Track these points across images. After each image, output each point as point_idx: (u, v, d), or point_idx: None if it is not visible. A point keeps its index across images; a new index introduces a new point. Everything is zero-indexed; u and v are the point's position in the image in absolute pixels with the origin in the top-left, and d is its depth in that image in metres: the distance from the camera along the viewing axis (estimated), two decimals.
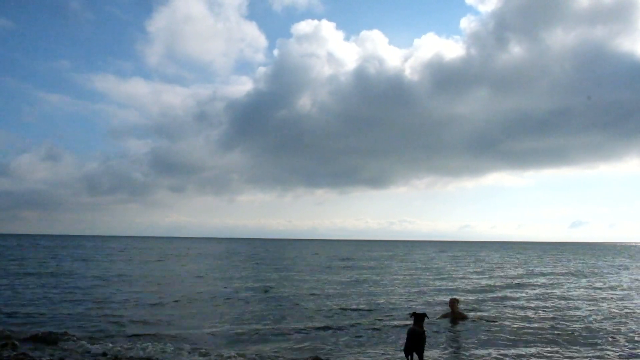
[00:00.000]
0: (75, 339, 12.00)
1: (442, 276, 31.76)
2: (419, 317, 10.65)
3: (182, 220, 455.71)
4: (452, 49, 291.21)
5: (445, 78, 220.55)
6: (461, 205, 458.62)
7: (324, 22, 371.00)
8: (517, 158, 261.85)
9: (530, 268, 42.15)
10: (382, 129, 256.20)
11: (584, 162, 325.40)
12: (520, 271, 37.74)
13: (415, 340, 10.09)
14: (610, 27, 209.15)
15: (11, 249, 65.72)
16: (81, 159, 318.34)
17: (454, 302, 15.36)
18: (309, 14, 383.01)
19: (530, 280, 29.31)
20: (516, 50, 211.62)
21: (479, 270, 38.60)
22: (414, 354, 10.31)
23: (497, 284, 26.41)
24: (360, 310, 16.59)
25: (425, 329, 10.68)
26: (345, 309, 16.70)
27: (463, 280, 28.37)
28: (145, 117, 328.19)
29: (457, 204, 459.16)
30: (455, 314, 15.03)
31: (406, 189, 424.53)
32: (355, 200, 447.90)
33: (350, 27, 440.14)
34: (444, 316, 15.20)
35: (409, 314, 11.26)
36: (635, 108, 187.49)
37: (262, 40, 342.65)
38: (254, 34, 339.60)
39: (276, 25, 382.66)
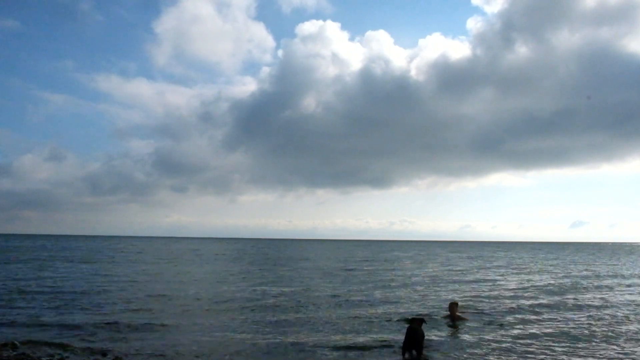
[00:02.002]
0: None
1: (480, 281, 28.44)
2: (417, 322, 11.21)
3: (182, 221, 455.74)
4: (458, 50, 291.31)
5: (451, 78, 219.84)
6: (462, 206, 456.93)
7: (329, 22, 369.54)
8: (520, 158, 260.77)
9: (573, 271, 38.31)
10: (386, 129, 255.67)
11: (586, 162, 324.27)
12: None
13: (414, 338, 10.63)
14: (616, 29, 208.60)
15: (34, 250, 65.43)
16: (84, 159, 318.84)
17: (453, 306, 15.59)
18: (318, 16, 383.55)
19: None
20: (522, 50, 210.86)
21: (517, 274, 34.62)
22: (413, 351, 10.72)
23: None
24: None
25: (423, 330, 11.10)
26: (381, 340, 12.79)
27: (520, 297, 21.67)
28: (149, 118, 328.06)
29: (459, 204, 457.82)
30: (454, 317, 15.24)
31: (408, 189, 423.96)
32: (357, 200, 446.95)
33: (356, 28, 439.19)
34: (444, 319, 15.44)
35: (410, 319, 11.69)
36: (639, 108, 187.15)
37: (269, 41, 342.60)
38: (261, 35, 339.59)
39: (285, 27, 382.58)
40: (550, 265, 46.75)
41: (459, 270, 38.64)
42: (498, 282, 28.53)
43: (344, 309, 17.66)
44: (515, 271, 38.82)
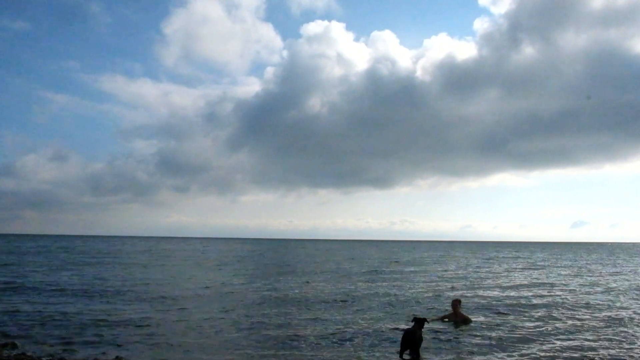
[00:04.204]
0: None
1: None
2: (419, 321, 11.22)
3: (182, 221, 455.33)
4: (464, 50, 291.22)
5: (457, 79, 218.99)
6: (464, 206, 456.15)
7: (334, 22, 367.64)
8: (523, 158, 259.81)
9: None
10: (390, 129, 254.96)
11: (590, 163, 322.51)
12: None
13: (410, 339, 10.75)
14: (623, 30, 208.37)
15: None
16: (87, 160, 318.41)
17: (456, 304, 15.21)
18: (327, 17, 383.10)
19: None
20: (528, 51, 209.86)
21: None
22: (407, 352, 10.85)
23: None
24: None
25: (423, 332, 11.21)
26: None
27: None
28: (153, 118, 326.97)
29: (460, 204, 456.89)
30: (457, 316, 14.95)
31: (409, 189, 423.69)
32: (358, 200, 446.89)
33: (361, 28, 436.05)
34: (446, 317, 15.14)
35: (412, 318, 11.67)
36: None
37: (278, 42, 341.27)
38: (270, 36, 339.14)
39: (293, 28, 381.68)
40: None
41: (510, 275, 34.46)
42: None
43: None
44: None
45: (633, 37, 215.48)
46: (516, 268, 42.23)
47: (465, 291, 23.12)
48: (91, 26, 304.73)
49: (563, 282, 29.14)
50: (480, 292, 22.76)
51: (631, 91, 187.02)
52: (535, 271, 38.35)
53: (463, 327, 14.25)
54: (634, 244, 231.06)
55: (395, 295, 21.57)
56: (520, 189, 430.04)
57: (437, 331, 13.43)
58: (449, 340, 12.64)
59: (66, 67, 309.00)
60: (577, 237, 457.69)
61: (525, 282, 28.21)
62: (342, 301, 19.42)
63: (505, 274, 35.30)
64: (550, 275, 34.58)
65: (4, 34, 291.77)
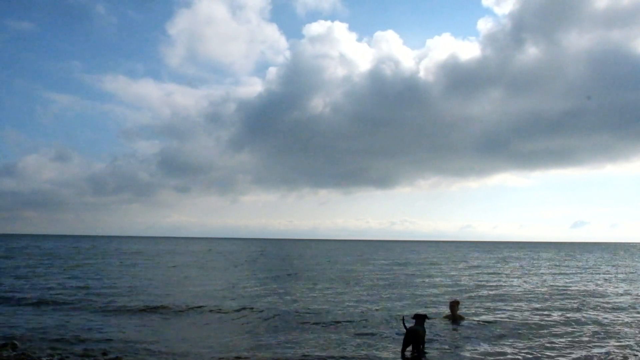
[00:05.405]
0: None
1: None
2: (420, 318, 11.49)
3: (182, 221, 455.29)
4: (467, 50, 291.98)
5: (460, 79, 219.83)
6: (464, 206, 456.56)
7: (337, 22, 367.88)
8: (525, 159, 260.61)
9: None
10: (393, 130, 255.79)
11: (591, 163, 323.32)
12: None
13: (413, 336, 10.78)
14: (627, 31, 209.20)
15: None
16: (89, 160, 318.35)
17: (454, 305, 15.18)
18: (332, 17, 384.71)
19: None
20: (532, 51, 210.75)
21: None
22: (411, 350, 10.83)
23: None
24: None
25: (425, 328, 11.42)
26: None
27: None
28: (156, 118, 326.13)
29: (460, 204, 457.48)
30: (455, 317, 14.89)
31: (410, 189, 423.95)
32: (359, 200, 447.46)
33: (364, 28, 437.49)
34: (444, 318, 15.06)
35: (412, 316, 11.79)
36: None
37: (282, 42, 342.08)
38: (274, 36, 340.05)
39: (298, 28, 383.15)
40: None
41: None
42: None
43: None
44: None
45: (636, 37, 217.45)
46: (547, 272, 38.06)
47: (493, 303, 19.36)
48: (94, 26, 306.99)
49: (601, 288, 24.95)
50: (503, 301, 19.67)
51: (633, 91, 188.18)
52: (557, 274, 35.45)
53: (461, 327, 13.87)
54: (635, 244, 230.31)
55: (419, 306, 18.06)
56: (520, 189, 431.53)
57: (435, 332, 13.03)
58: (447, 338, 12.37)
59: (69, 67, 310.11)
60: (577, 237, 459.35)
61: (551, 288, 24.89)
62: (362, 319, 15.41)
63: (531, 277, 32.04)
64: (583, 280, 30.41)
65: (7, 34, 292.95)
